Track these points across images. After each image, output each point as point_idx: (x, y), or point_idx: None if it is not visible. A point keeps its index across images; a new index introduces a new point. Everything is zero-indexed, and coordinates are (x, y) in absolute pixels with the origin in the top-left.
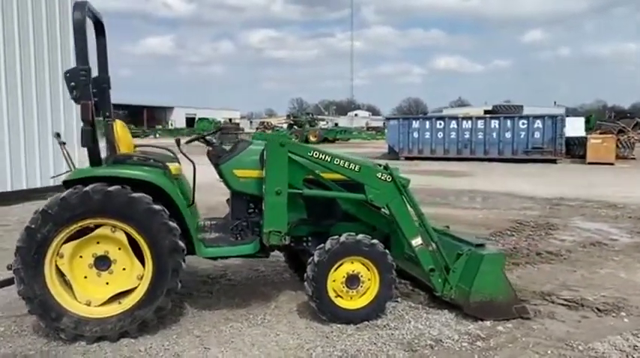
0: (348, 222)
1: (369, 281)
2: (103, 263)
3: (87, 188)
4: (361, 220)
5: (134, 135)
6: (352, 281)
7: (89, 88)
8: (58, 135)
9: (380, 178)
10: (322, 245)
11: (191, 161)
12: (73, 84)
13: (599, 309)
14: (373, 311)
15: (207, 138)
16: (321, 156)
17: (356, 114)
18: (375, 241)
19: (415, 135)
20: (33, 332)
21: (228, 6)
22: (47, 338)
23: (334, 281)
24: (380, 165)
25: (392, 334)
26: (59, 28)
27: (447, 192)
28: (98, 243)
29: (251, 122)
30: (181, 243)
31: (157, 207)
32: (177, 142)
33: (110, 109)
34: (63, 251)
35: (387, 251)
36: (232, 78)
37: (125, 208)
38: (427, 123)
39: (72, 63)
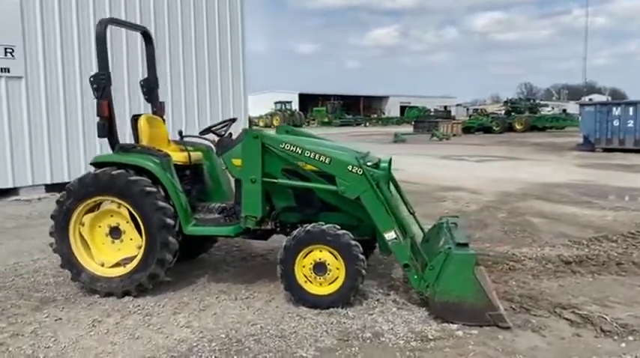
0: (334, 213)
1: (338, 270)
2: (116, 232)
3: (97, 171)
4: (346, 211)
5: (345, 123)
6: (319, 268)
7: (109, 89)
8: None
9: (350, 171)
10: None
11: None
12: (95, 86)
13: (603, 330)
14: (338, 299)
15: (217, 130)
16: (292, 148)
17: (590, 99)
18: (341, 231)
19: (615, 123)
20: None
21: None
22: (78, 289)
23: (304, 267)
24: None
25: (342, 322)
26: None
27: (609, 190)
28: (112, 216)
29: (467, 109)
30: (170, 221)
31: (151, 189)
32: (180, 134)
33: (157, 105)
34: (84, 220)
35: (355, 242)
36: (456, 64)
37: (125, 188)
38: (631, 109)
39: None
